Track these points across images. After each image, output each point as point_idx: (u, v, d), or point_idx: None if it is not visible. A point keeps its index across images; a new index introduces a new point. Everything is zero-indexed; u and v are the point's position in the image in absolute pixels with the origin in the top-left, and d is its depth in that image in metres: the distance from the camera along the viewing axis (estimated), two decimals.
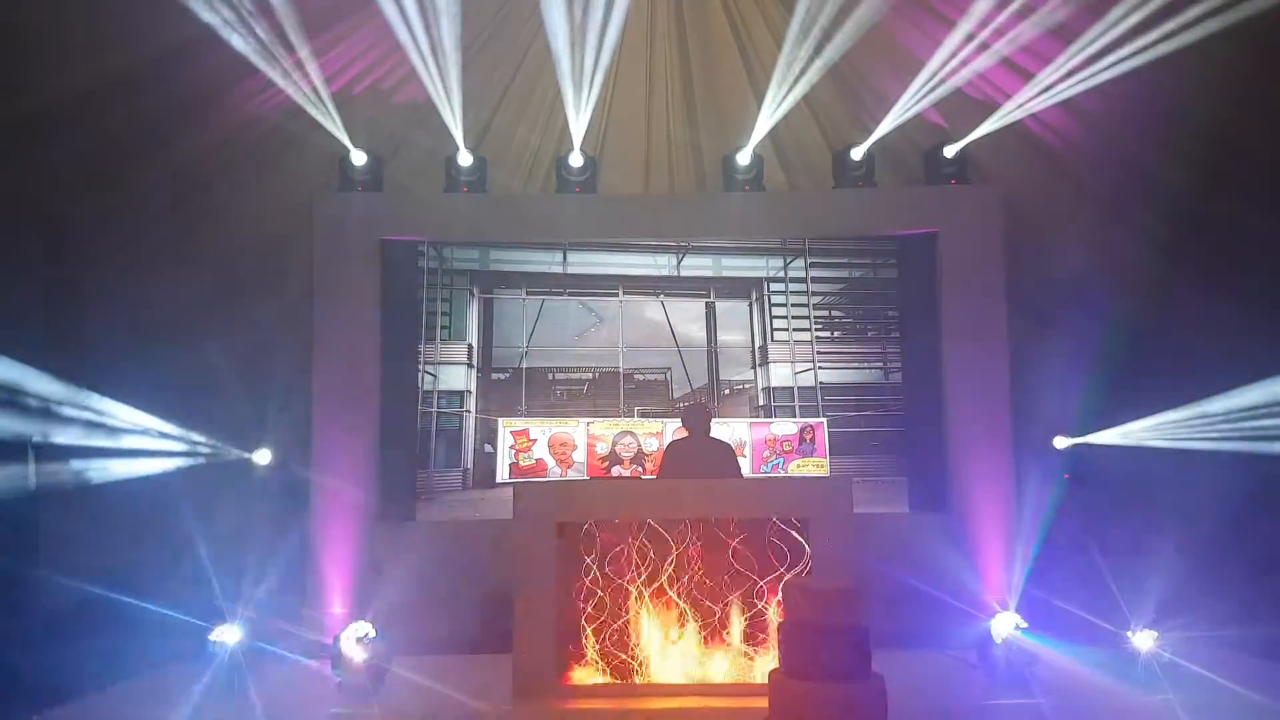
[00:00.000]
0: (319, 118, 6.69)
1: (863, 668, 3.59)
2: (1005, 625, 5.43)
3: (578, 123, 6.94)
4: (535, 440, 7.21)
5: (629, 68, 7.33)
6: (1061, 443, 6.81)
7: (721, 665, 4.97)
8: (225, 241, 6.44)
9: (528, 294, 7.42)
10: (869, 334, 7.42)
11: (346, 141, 6.86)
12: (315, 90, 6.58)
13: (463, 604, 6.32)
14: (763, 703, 3.80)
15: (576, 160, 7.10)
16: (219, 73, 6.21)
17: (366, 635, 5.27)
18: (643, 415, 7.27)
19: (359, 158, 6.95)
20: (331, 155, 6.95)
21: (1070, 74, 6.20)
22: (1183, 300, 6.26)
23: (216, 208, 6.48)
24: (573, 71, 6.73)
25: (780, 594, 4.84)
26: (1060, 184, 6.79)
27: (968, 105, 6.83)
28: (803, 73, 6.78)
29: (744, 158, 7.12)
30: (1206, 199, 6.15)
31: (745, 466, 6.95)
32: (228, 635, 5.29)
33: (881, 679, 3.60)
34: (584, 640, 5.01)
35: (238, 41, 6.05)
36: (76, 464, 5.79)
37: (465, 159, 7.03)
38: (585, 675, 4.99)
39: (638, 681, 4.96)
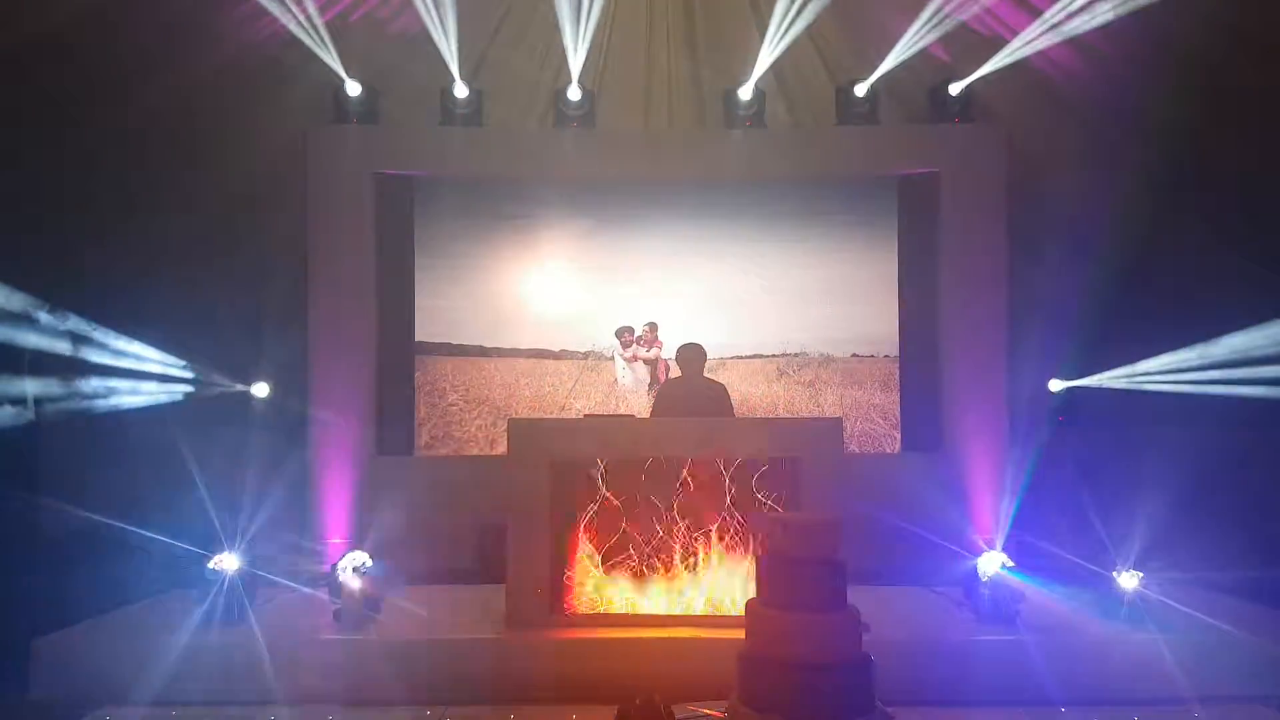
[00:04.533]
0: (313, 47, 6.58)
1: (838, 599, 3.65)
2: (992, 563, 5.48)
3: (576, 55, 6.81)
4: None
5: None
6: (1056, 385, 6.80)
7: (704, 597, 5.06)
8: (219, 173, 6.39)
9: None
10: None
11: (341, 72, 6.77)
12: (309, 19, 6.47)
13: (459, 535, 6.42)
14: (742, 633, 3.88)
15: (575, 94, 6.98)
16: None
17: (363, 564, 5.36)
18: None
19: (353, 89, 6.85)
20: (326, 86, 6.85)
21: (1076, 11, 6.04)
22: (1183, 242, 6.19)
23: (209, 138, 6.42)
24: (571, 1, 6.58)
25: (761, 527, 4.91)
26: (1064, 123, 6.66)
27: (973, 41, 6.67)
28: (806, 4, 6.62)
29: (746, 92, 6.99)
30: (1210, 139, 6.04)
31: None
32: (227, 563, 5.38)
33: (856, 610, 3.67)
34: (574, 572, 5.10)
35: None
36: (75, 394, 5.85)
37: (461, 91, 6.92)
38: (575, 606, 5.09)
39: (624, 612, 5.06)
